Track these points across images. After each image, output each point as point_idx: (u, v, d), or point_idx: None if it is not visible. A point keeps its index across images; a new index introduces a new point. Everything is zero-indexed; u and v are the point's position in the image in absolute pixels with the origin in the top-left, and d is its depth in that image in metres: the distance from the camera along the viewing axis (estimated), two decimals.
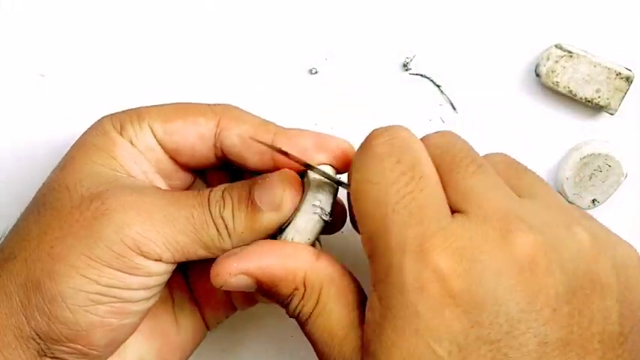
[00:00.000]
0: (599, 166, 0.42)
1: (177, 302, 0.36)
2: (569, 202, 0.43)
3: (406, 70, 0.42)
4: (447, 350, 0.27)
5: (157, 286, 0.32)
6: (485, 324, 0.27)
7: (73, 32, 0.40)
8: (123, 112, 0.34)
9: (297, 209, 0.32)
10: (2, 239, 0.34)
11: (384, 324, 0.28)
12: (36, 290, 0.30)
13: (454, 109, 0.42)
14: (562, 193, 0.43)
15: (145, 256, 0.31)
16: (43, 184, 0.34)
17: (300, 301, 0.31)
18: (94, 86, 0.40)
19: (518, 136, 0.43)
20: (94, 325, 0.31)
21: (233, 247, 0.32)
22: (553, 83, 0.41)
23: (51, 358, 0.31)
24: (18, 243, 0.32)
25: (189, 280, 0.37)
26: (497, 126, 0.42)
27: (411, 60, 0.42)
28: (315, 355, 0.31)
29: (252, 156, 0.34)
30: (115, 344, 0.32)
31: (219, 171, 0.37)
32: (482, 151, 0.30)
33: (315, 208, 0.32)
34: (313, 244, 0.33)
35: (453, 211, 0.29)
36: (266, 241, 0.32)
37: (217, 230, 0.32)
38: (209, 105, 0.35)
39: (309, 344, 0.31)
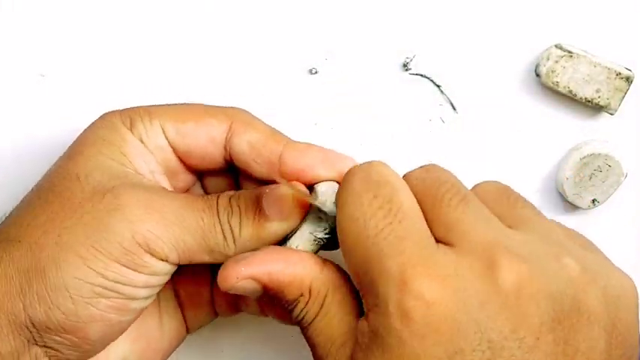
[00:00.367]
0: (599, 166, 0.42)
1: (163, 305, 0.36)
2: (569, 202, 0.43)
3: (406, 70, 0.42)
4: None
5: (158, 286, 0.32)
6: (467, 351, 0.27)
7: (73, 32, 0.40)
8: (131, 108, 0.34)
9: (303, 219, 0.33)
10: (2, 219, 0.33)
11: (372, 347, 0.28)
12: (39, 277, 0.30)
13: (454, 109, 0.42)
14: (562, 193, 0.43)
15: (153, 255, 0.31)
16: (49, 171, 0.33)
17: (304, 306, 0.31)
18: (95, 86, 0.40)
19: (518, 136, 0.43)
20: (93, 319, 0.31)
21: (235, 254, 0.32)
22: (553, 83, 0.41)
23: (41, 347, 0.31)
24: (23, 227, 0.31)
25: (175, 284, 0.37)
26: (497, 126, 0.42)
27: (411, 60, 0.42)
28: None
29: (260, 165, 0.34)
30: (107, 340, 0.32)
31: (216, 174, 0.36)
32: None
33: (320, 221, 0.33)
34: (317, 253, 0.33)
35: (439, 242, 0.29)
36: (274, 247, 0.33)
37: (224, 236, 0.32)
38: (220, 107, 0.35)
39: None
